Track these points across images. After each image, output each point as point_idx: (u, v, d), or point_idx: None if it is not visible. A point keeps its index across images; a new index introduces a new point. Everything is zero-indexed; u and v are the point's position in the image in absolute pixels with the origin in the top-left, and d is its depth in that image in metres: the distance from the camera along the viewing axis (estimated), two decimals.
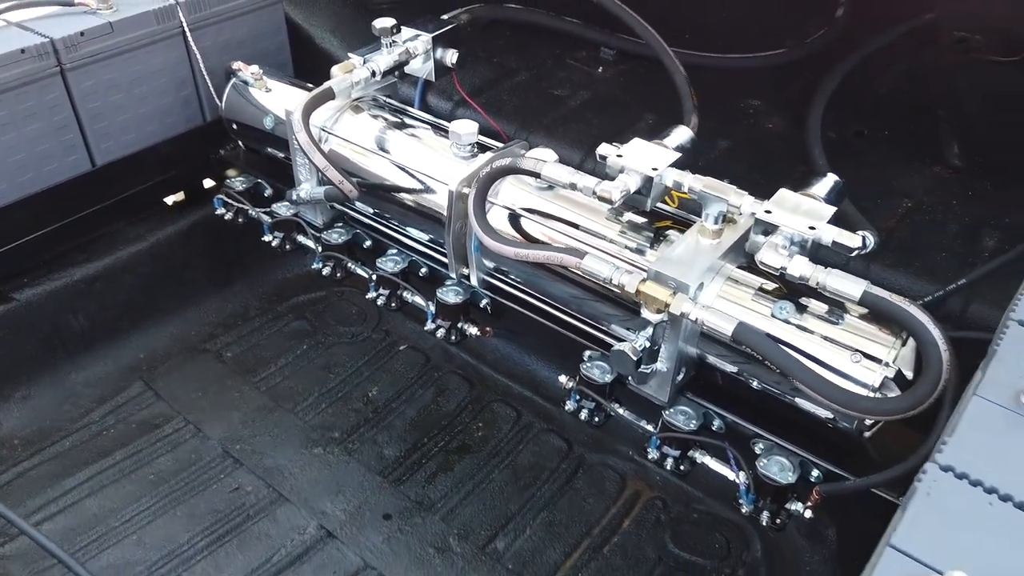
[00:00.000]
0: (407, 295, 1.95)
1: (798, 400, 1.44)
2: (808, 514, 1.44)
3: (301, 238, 2.13)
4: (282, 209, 2.10)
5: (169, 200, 2.35)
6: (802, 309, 1.40)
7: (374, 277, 1.96)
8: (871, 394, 1.28)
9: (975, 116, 2.22)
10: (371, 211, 1.97)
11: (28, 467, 1.98)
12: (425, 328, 1.92)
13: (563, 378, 1.70)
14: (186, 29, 2.05)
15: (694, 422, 1.53)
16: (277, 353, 2.36)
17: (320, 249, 2.05)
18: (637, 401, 1.63)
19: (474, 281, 1.78)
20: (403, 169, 1.78)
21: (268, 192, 2.20)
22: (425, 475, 2.06)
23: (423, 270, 1.94)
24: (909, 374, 1.31)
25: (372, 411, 2.22)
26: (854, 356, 1.32)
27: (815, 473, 1.46)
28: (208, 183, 2.41)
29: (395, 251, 1.97)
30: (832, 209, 1.33)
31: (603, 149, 1.49)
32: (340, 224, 2.06)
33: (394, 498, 1.99)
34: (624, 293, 1.41)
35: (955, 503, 0.87)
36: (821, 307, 1.41)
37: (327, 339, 2.42)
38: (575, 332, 1.73)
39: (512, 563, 1.86)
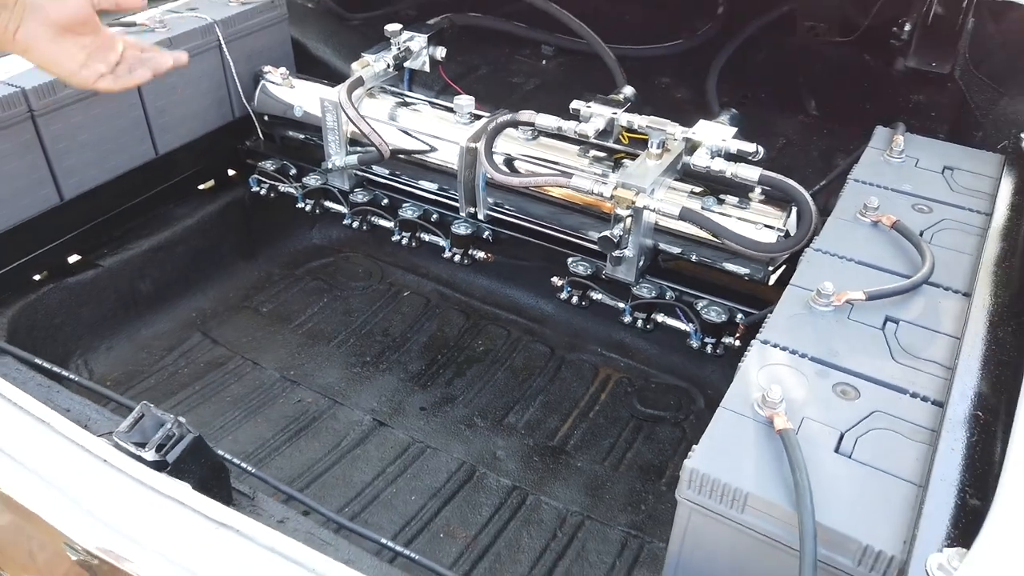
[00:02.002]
0: (424, 235, 2.52)
1: (725, 264, 2.10)
2: (737, 343, 2.10)
3: (328, 203, 2.66)
4: (311, 180, 2.63)
5: (201, 187, 2.83)
6: (721, 202, 2.07)
7: (396, 224, 2.52)
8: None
9: (825, 80, 2.98)
10: (386, 173, 2.53)
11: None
12: (443, 256, 2.49)
13: (555, 278, 2.32)
14: (222, 42, 2.56)
15: (655, 292, 2.17)
16: (304, 306, 2.87)
17: (349, 208, 2.59)
18: (610, 288, 2.26)
19: (481, 216, 2.36)
20: (417, 135, 2.36)
21: (293, 171, 2.72)
22: (444, 380, 2.62)
23: (434, 216, 2.52)
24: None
25: (391, 341, 2.76)
26: (757, 226, 1.99)
27: (739, 316, 2.13)
28: (231, 172, 2.90)
29: (409, 204, 2.54)
30: (734, 129, 2.00)
31: (575, 104, 2.12)
32: (360, 188, 2.60)
33: (424, 396, 2.54)
34: (601, 200, 2.04)
35: (821, 264, 1.54)
36: (733, 199, 2.08)
37: (343, 293, 2.95)
38: (558, 243, 2.35)
39: (524, 430, 2.45)
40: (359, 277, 3.03)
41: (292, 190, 2.69)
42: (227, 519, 1.33)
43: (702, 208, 2.04)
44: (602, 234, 2.02)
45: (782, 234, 1.98)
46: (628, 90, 2.26)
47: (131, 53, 1.61)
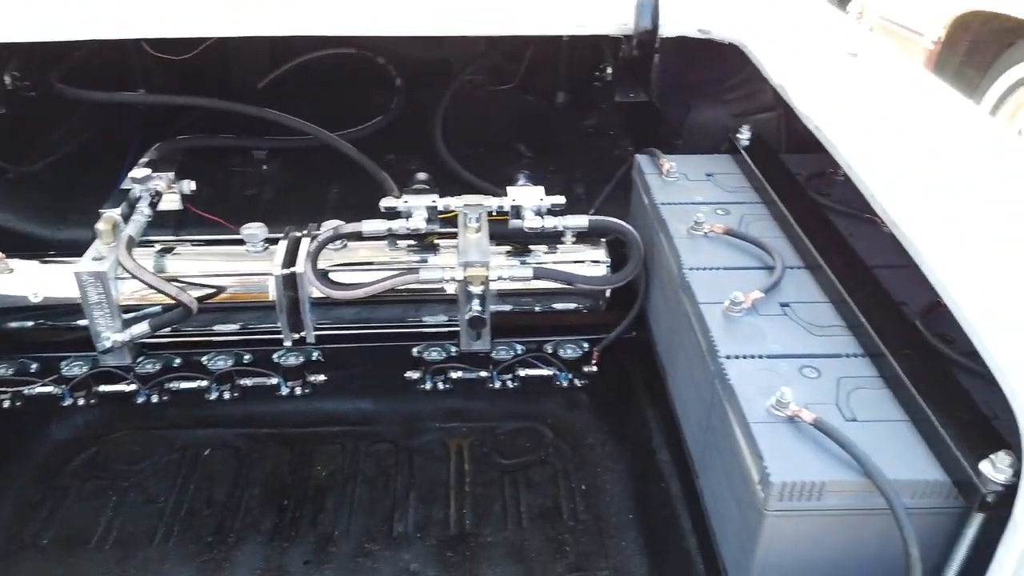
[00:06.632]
0: (245, 380, 2.28)
1: (560, 305, 2.29)
2: (594, 368, 2.33)
3: (105, 387, 2.24)
4: (74, 369, 2.19)
5: None
6: (552, 251, 2.25)
7: (206, 382, 2.23)
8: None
9: (513, 122, 3.28)
10: (169, 331, 2.23)
11: None
12: (281, 394, 2.27)
13: (411, 373, 2.29)
14: None
15: (511, 353, 2.29)
16: (94, 516, 2.37)
17: (142, 384, 2.22)
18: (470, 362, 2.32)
19: (310, 339, 2.22)
20: (216, 277, 2.13)
21: (34, 366, 2.23)
22: (308, 521, 2.40)
23: (247, 357, 2.29)
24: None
25: (223, 509, 2.43)
26: (587, 264, 2.23)
27: (585, 346, 2.35)
28: None
29: (213, 353, 2.27)
30: (541, 188, 2.20)
31: (388, 202, 2.12)
32: (143, 357, 2.24)
33: (300, 548, 2.31)
34: (454, 284, 2.08)
35: (703, 280, 1.82)
36: (543, 247, 2.28)
37: (131, 481, 2.49)
38: (392, 339, 2.32)
39: (419, 533, 2.36)
40: (139, 457, 2.58)
41: (50, 388, 2.21)
42: None
43: (536, 263, 2.20)
44: (471, 315, 2.06)
45: (607, 265, 2.24)
46: (422, 175, 2.31)
47: None
